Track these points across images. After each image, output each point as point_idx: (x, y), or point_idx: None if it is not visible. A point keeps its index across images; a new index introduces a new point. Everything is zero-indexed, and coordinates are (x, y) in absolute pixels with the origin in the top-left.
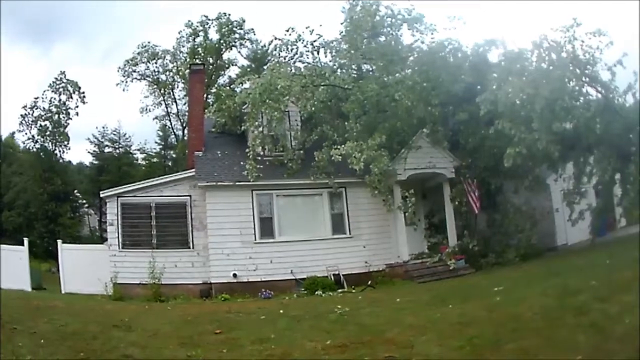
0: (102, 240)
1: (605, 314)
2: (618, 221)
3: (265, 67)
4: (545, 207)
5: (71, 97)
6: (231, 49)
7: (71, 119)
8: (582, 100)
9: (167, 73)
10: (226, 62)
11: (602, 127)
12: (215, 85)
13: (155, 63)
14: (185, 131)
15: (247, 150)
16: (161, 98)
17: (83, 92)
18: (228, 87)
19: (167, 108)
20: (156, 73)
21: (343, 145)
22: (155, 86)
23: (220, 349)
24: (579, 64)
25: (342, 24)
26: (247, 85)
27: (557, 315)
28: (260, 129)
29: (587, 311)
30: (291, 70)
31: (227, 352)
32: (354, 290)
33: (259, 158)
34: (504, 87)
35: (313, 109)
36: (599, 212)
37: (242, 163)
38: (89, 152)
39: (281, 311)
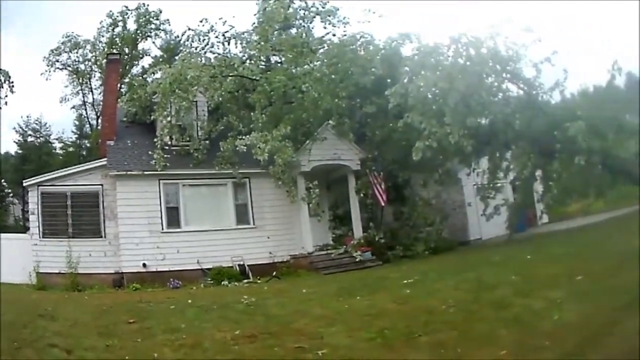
0: (25, 229)
1: (529, 310)
2: (539, 217)
3: (177, 57)
4: (456, 201)
5: (1, 87)
6: (146, 39)
7: (0, 108)
8: (501, 96)
9: (86, 63)
10: (141, 52)
11: (522, 123)
12: (129, 75)
13: (77, 53)
14: (100, 120)
15: (155, 139)
16: (79, 87)
17: (12, 82)
18: (140, 77)
19: (83, 97)
20: (76, 62)
21: (248, 136)
22: (74, 75)
23: (134, 339)
24: (501, 60)
25: (255, 15)
26: (158, 75)
27: (473, 309)
28: (169, 118)
29: (508, 306)
30: (201, 60)
31: (142, 341)
32: (259, 281)
33: (167, 148)
34: (415, 80)
35: (220, 99)
36: (517, 207)
37: (150, 152)
38: (14, 141)
39: (189, 301)
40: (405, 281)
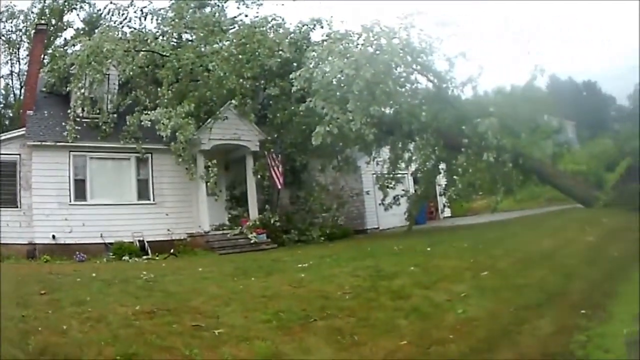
0: None
1: (430, 302)
2: (441, 211)
3: (97, 30)
4: (355, 189)
5: None
6: (72, 11)
7: None
8: (408, 87)
9: (17, 33)
10: (65, 24)
11: (428, 116)
12: (52, 47)
13: (11, 23)
14: (23, 90)
15: (69, 111)
16: (9, 57)
17: None
18: (62, 49)
19: (11, 67)
20: (9, 32)
21: (153, 111)
22: (7, 45)
23: (46, 310)
24: (412, 51)
25: None
26: (78, 47)
27: (371, 297)
28: (83, 90)
29: (407, 296)
30: (118, 34)
31: (52, 313)
32: (157, 258)
33: (78, 119)
34: (322, 66)
35: (131, 73)
36: (418, 199)
37: (64, 124)
38: None
39: (94, 275)
40: (300, 265)
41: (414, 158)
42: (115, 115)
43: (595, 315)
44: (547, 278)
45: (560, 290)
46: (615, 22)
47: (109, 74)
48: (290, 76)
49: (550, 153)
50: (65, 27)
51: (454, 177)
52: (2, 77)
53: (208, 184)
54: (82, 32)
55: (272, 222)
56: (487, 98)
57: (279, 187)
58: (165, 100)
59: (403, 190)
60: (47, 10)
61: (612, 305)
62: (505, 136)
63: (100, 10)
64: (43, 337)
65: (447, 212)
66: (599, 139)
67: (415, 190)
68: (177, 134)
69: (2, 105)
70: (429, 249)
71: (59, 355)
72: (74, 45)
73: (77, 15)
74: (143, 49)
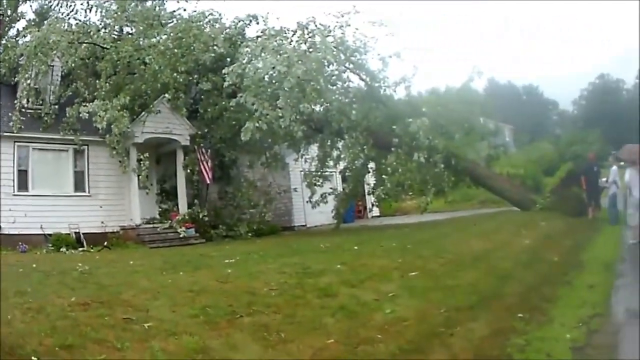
0: None
1: (357, 301)
2: (369, 210)
3: (46, 21)
4: (282, 186)
5: None
6: (26, 2)
7: None
8: (340, 85)
9: None
10: (19, 14)
11: (359, 114)
12: (5, 37)
13: None
14: None
15: (15, 101)
16: None
17: None
18: (13, 39)
19: None
20: None
21: (91, 103)
22: None
23: None
24: (346, 49)
25: None
26: (28, 38)
27: (297, 294)
28: (29, 81)
29: (334, 294)
30: (65, 26)
31: None
32: (92, 250)
33: (24, 110)
34: (254, 62)
35: (73, 65)
36: (346, 197)
37: (10, 114)
38: None
39: (34, 265)
40: (227, 261)
41: (342, 156)
42: (56, 106)
43: (533, 319)
44: (480, 280)
45: (494, 292)
46: (563, 27)
47: (53, 65)
48: (223, 71)
49: (485, 155)
50: (18, 18)
51: (383, 176)
52: None
53: (140, 177)
54: (33, 23)
55: (200, 216)
56: (421, 98)
57: (208, 182)
58: (103, 93)
59: (331, 188)
60: (4, 2)
61: (552, 309)
62: (437, 136)
63: (50, 1)
64: None
65: (376, 212)
66: (537, 143)
67: (343, 189)
68: (112, 126)
69: None
70: (356, 247)
71: (5, 345)
72: (24, 36)
73: (30, 6)
74: (86, 41)
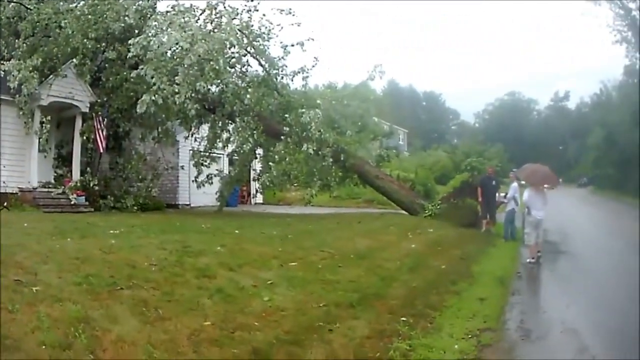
0: None
1: (235, 285)
2: (253, 196)
3: None
4: (170, 162)
5: None
6: None
7: None
8: (238, 68)
9: None
10: None
11: (253, 99)
12: None
13: None
14: None
15: None
16: None
17: None
18: None
19: None
20: None
21: (7, 62)
22: None
23: None
24: (250, 34)
25: None
26: None
27: (176, 272)
28: None
29: (212, 276)
30: None
31: None
32: None
33: None
34: (160, 35)
35: None
36: (231, 181)
37: None
38: None
39: None
40: (112, 231)
41: (232, 139)
42: None
43: (418, 325)
44: (362, 278)
45: (376, 292)
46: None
47: None
48: (129, 42)
49: (375, 155)
50: None
51: (270, 163)
52: None
53: (40, 140)
54: None
55: (91, 185)
56: (317, 91)
57: (101, 151)
58: (20, 53)
59: (217, 170)
60: None
61: (439, 317)
62: (328, 130)
63: None
64: None
65: (259, 199)
66: (432, 150)
67: (229, 172)
68: (22, 86)
69: None
70: (237, 231)
71: None
72: None
73: None
74: (14, 1)
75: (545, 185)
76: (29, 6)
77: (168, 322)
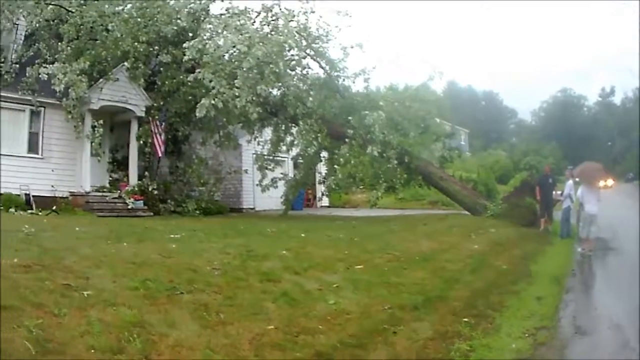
0: None
1: (300, 288)
2: (319, 199)
3: None
4: (233, 166)
5: None
6: None
7: None
8: (299, 70)
9: None
10: None
11: (315, 102)
12: None
13: None
14: None
15: None
16: None
17: None
18: None
19: None
20: None
21: (51, 65)
22: None
23: None
24: (308, 36)
25: None
26: None
27: (239, 276)
28: None
29: (277, 280)
30: None
31: None
32: (40, 213)
33: None
34: (215, 38)
35: (37, 25)
36: (296, 184)
37: None
38: None
39: None
40: (172, 236)
41: (296, 142)
42: (17, 65)
43: (479, 325)
44: (427, 280)
45: (440, 294)
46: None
47: (18, 24)
48: (184, 45)
49: (438, 156)
50: None
51: (335, 166)
52: None
53: (93, 144)
54: None
55: (150, 189)
56: (379, 92)
57: (160, 155)
58: (64, 56)
59: (282, 173)
60: None
61: (499, 317)
62: (392, 132)
63: None
64: None
65: (325, 202)
66: (492, 149)
67: (294, 175)
68: (70, 90)
69: None
70: (303, 235)
71: None
72: None
73: None
74: (53, 3)
75: (602, 184)
76: (70, 8)
77: (229, 327)
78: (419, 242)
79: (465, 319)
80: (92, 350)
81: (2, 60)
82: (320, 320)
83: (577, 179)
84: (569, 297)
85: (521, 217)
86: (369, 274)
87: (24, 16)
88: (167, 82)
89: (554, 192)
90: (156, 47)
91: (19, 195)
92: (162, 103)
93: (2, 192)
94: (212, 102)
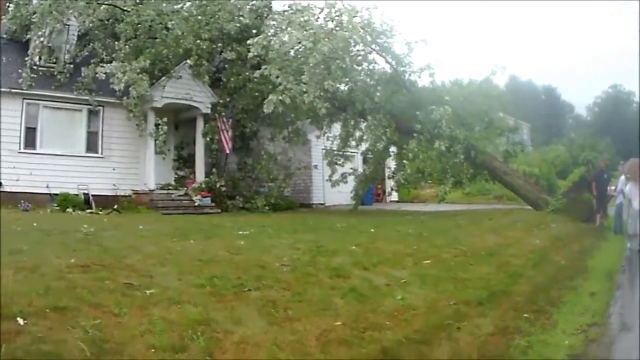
0: None
1: (369, 284)
2: (388, 194)
3: None
4: (303, 162)
5: None
6: None
7: None
8: (365, 66)
9: None
10: None
11: (383, 97)
12: None
13: None
14: None
15: (26, 58)
16: None
17: None
18: None
19: None
20: None
21: (109, 65)
22: None
23: None
24: (372, 31)
25: None
26: None
27: (309, 272)
28: (42, 39)
29: (346, 275)
30: None
31: None
32: (100, 212)
33: (35, 68)
34: (280, 35)
35: (91, 25)
36: (366, 179)
37: (20, 71)
38: None
39: (35, 224)
40: (240, 232)
41: (365, 138)
42: (71, 65)
43: (538, 321)
44: (491, 275)
45: (503, 289)
46: (581, 31)
47: (69, 25)
48: (248, 42)
49: (502, 151)
50: None
51: (404, 161)
52: None
53: (157, 142)
54: None
55: (217, 186)
56: (444, 87)
57: (227, 151)
58: (122, 55)
59: (351, 168)
60: None
61: (556, 313)
62: (458, 127)
63: None
64: None
65: (394, 196)
66: (553, 144)
67: (363, 170)
68: (130, 89)
69: None
70: (372, 230)
71: None
72: None
73: None
74: (105, 2)
75: None
76: (125, 8)
77: (297, 323)
78: (484, 237)
79: (526, 315)
80: (153, 350)
81: (54, 61)
82: (387, 316)
83: (628, 175)
84: (618, 294)
85: (580, 212)
86: (436, 269)
87: (75, 17)
88: (232, 79)
89: (608, 188)
90: (219, 44)
91: (76, 194)
92: (228, 100)
93: (57, 192)
94: (280, 98)
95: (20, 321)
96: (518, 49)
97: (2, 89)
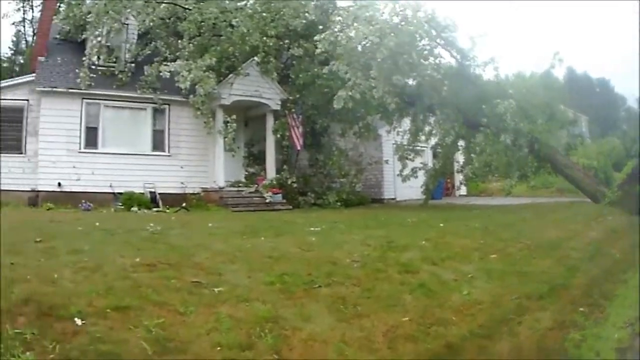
0: None
1: (437, 279)
2: (457, 188)
3: None
4: (374, 157)
5: None
6: None
7: None
8: (432, 60)
9: None
10: None
11: (450, 91)
12: None
13: None
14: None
15: (83, 58)
16: (21, 4)
17: None
18: None
19: (24, 14)
20: None
21: (173, 63)
22: None
23: (38, 258)
24: (437, 25)
25: None
26: None
27: (379, 268)
28: (99, 38)
29: (415, 271)
30: None
31: (45, 260)
32: (168, 210)
33: (93, 67)
34: (346, 30)
35: (151, 24)
36: (436, 173)
37: (77, 71)
38: None
39: (97, 224)
40: (312, 228)
41: (434, 132)
42: (132, 64)
43: (592, 315)
44: (552, 269)
45: (563, 283)
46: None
47: (127, 24)
48: (315, 38)
49: (564, 143)
50: None
51: (472, 155)
52: (14, 23)
53: (226, 139)
54: None
55: (289, 182)
56: (507, 81)
57: (298, 148)
58: (186, 53)
59: (422, 163)
60: None
61: (609, 307)
62: (522, 120)
63: None
64: (29, 286)
65: (463, 190)
66: (609, 137)
67: (433, 165)
68: (196, 87)
69: (13, 51)
70: (442, 224)
71: (44, 304)
72: None
73: None
74: (165, 1)
75: None
76: (186, 6)
77: (365, 319)
78: (547, 231)
79: (581, 308)
80: (218, 348)
81: (114, 60)
82: (454, 311)
83: None
84: None
85: (633, 205)
86: (502, 263)
87: (133, 16)
88: (301, 75)
89: None
90: (286, 41)
91: (142, 193)
92: (297, 96)
93: (121, 191)
94: (350, 93)
95: (78, 321)
96: (571, 41)
97: (59, 89)
